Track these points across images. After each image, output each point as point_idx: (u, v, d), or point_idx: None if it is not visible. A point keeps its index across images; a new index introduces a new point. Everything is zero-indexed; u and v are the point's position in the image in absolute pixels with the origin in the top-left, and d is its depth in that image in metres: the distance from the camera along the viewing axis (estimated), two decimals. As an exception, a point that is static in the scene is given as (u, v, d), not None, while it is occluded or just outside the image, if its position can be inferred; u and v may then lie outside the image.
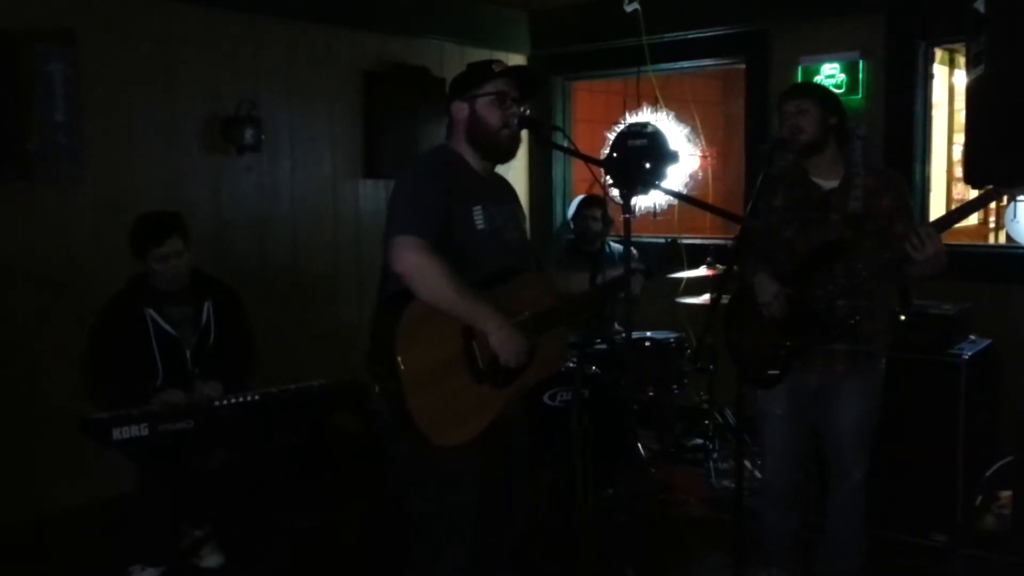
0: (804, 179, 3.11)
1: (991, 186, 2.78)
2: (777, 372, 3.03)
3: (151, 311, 3.46)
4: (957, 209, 3.02)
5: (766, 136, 3.20)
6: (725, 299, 3.31)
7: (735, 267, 3.09)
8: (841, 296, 2.97)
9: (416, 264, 2.31)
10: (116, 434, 3.04)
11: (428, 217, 2.36)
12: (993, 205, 6.66)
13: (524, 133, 2.61)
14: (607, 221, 4.88)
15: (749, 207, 2.93)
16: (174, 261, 3.46)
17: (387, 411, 2.36)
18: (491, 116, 2.52)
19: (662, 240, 5.67)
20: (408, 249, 2.31)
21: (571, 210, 5.15)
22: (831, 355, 3.05)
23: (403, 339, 2.28)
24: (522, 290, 2.53)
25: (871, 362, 3.10)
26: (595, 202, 4.97)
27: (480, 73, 2.56)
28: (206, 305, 3.58)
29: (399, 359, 2.27)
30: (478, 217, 2.48)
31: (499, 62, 2.64)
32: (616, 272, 2.72)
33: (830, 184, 3.08)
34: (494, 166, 2.64)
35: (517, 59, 6.25)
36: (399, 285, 2.35)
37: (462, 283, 2.33)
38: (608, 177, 3.44)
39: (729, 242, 3.48)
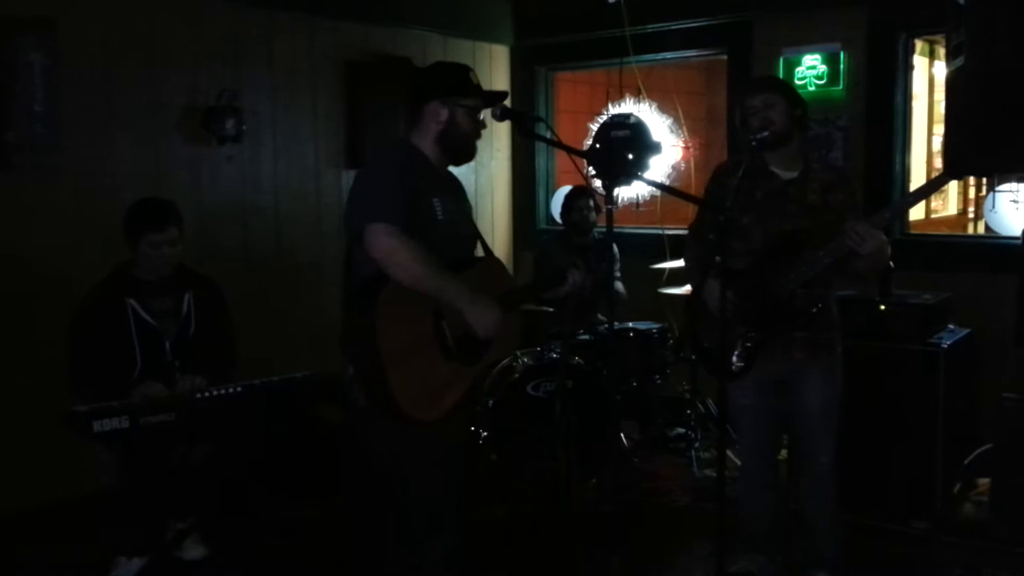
0: (764, 169, 3.14)
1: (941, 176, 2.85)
2: (743, 364, 3.07)
3: (132, 301, 3.45)
4: (891, 207, 3.11)
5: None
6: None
7: (717, 258, 3.11)
8: (801, 285, 3.03)
9: (392, 248, 2.41)
10: (97, 426, 3.02)
11: (398, 205, 2.46)
12: (972, 195, 6.75)
13: (506, 125, 2.64)
14: (597, 210, 4.88)
15: (731, 199, 2.94)
16: (167, 249, 3.45)
17: (364, 392, 2.46)
18: (467, 125, 2.67)
19: (648, 231, 5.71)
20: (384, 235, 2.41)
21: (557, 203, 5.14)
22: (791, 344, 3.11)
23: (381, 320, 2.39)
24: (482, 275, 2.68)
25: (830, 349, 3.16)
26: (585, 192, 4.97)
27: (467, 85, 2.69)
28: (187, 297, 3.57)
29: (379, 339, 2.36)
30: (438, 209, 2.61)
31: (473, 71, 2.76)
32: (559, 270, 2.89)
33: (789, 175, 3.13)
34: (448, 165, 2.79)
35: (500, 49, 6.24)
36: (369, 270, 2.46)
37: (436, 264, 2.46)
38: (591, 168, 3.45)
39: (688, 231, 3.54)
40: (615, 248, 4.94)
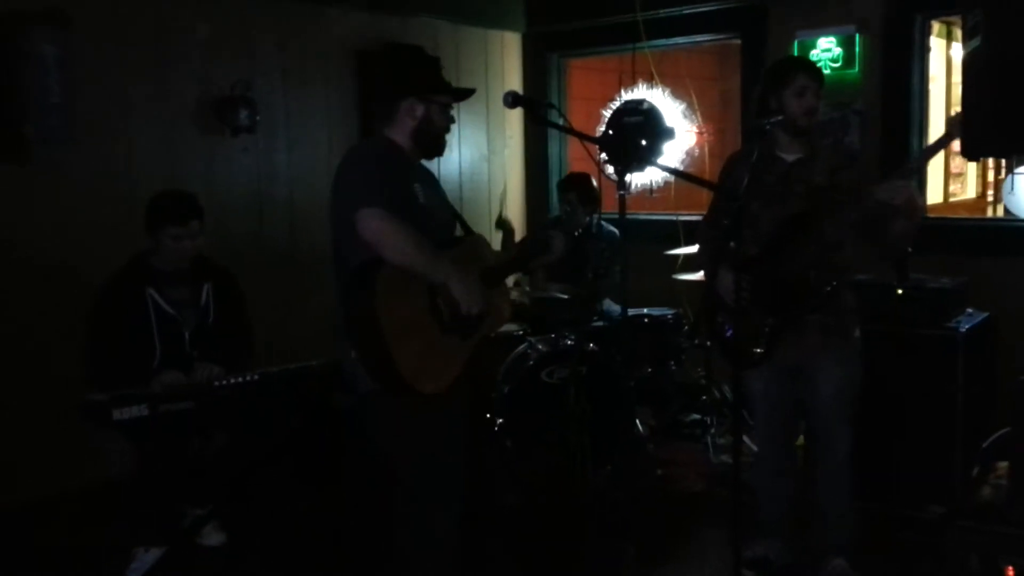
0: (770, 154, 3.13)
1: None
2: (763, 351, 3.05)
3: (152, 291, 3.48)
4: (922, 153, 3.03)
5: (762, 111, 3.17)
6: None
7: (731, 243, 3.09)
8: (812, 267, 3.00)
9: (383, 230, 2.50)
10: (116, 415, 3.05)
11: (385, 190, 2.56)
12: (991, 179, 6.68)
13: (518, 112, 2.68)
14: (588, 201, 4.76)
15: (744, 183, 2.92)
16: (188, 242, 3.48)
17: (370, 373, 2.54)
18: (441, 121, 2.78)
19: (662, 217, 5.70)
20: (374, 218, 2.50)
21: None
22: (804, 328, 3.08)
23: (380, 300, 2.48)
24: (468, 252, 2.81)
25: (844, 335, 3.14)
26: (571, 185, 4.87)
27: (440, 82, 2.81)
28: (206, 287, 3.59)
29: (381, 318, 2.46)
30: (419, 194, 2.72)
31: (443, 67, 2.89)
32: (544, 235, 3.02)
33: (793, 157, 3.12)
34: (421, 158, 2.89)
35: (512, 36, 6.22)
36: (363, 256, 2.54)
37: (426, 244, 2.56)
38: (604, 155, 3.45)
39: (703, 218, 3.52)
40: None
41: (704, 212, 3.52)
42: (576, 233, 4.75)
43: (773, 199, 3.09)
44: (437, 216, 2.80)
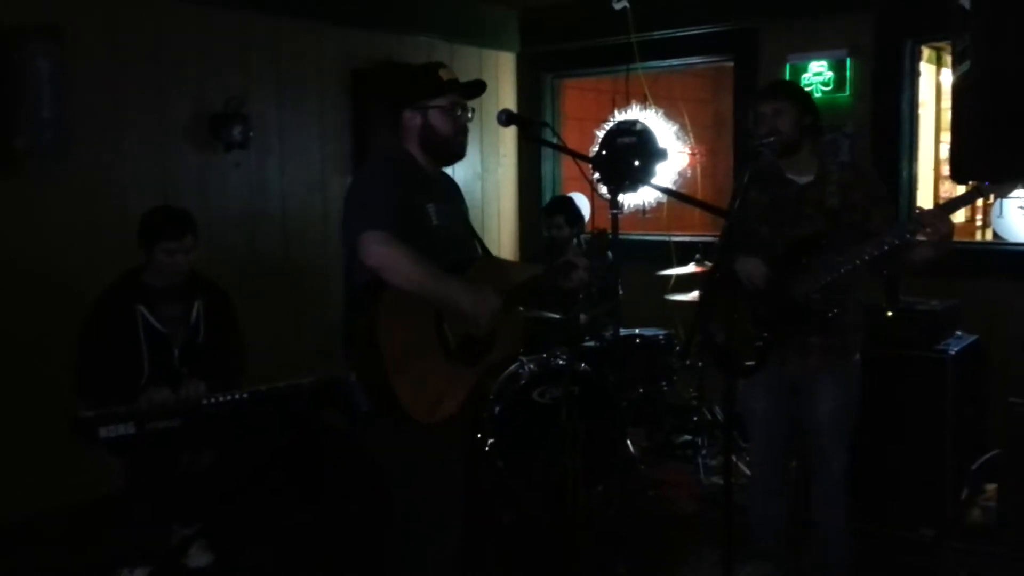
0: (780, 176, 3.14)
1: (976, 183, 2.81)
2: (753, 363, 3.05)
3: (142, 308, 3.46)
4: (960, 197, 3.04)
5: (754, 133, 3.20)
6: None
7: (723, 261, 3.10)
8: (817, 290, 3.00)
9: (387, 255, 2.43)
10: (103, 432, 3.02)
11: (390, 212, 2.49)
12: (980, 202, 6.72)
13: (512, 131, 2.65)
14: (575, 222, 4.77)
15: (737, 202, 2.94)
16: (181, 257, 3.47)
17: (368, 396, 2.49)
18: (445, 126, 2.67)
19: (654, 237, 5.71)
20: (377, 243, 2.44)
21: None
22: (805, 348, 3.08)
23: (382, 324, 2.42)
24: (480, 275, 2.67)
25: (845, 356, 3.13)
26: (557, 208, 4.87)
27: (435, 85, 2.68)
28: (196, 304, 3.58)
29: (380, 343, 2.39)
30: (432, 214, 2.64)
31: (445, 67, 2.75)
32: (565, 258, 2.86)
33: (805, 179, 3.12)
34: (439, 167, 2.80)
35: (506, 56, 6.25)
36: (367, 276, 2.48)
37: (431, 266, 2.47)
38: (597, 174, 3.46)
39: (717, 239, 3.51)
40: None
41: (696, 232, 3.53)
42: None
43: (785, 221, 3.09)
44: (450, 236, 2.70)
